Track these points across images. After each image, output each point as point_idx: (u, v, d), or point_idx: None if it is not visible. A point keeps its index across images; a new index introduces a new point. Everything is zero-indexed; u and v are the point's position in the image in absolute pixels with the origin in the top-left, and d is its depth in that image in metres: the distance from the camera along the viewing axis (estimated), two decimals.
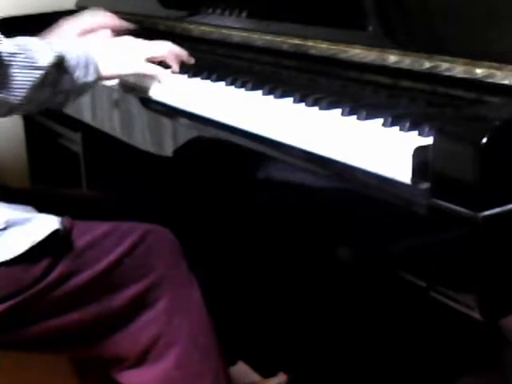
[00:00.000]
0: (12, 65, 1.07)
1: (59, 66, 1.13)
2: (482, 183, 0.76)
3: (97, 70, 1.20)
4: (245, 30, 1.41)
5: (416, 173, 0.83)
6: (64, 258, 1.07)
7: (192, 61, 1.37)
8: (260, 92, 1.17)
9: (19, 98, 1.09)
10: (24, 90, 1.09)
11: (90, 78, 1.19)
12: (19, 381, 1.56)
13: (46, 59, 1.11)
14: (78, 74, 1.17)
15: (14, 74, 1.08)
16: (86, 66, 1.18)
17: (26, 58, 1.09)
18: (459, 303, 0.83)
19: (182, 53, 1.35)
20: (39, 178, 2.31)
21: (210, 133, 1.23)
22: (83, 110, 1.68)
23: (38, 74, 1.10)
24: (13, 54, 1.08)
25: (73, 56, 1.16)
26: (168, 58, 1.32)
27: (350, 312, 1.48)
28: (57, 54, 1.13)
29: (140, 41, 1.30)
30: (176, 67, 1.33)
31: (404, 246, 0.94)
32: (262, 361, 1.63)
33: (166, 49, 1.32)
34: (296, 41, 1.28)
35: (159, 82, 1.29)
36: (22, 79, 1.09)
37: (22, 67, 1.08)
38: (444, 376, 1.32)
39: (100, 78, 1.22)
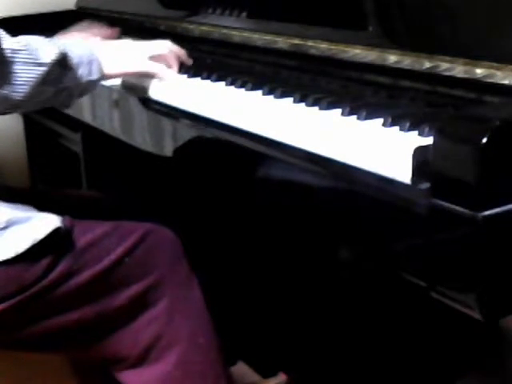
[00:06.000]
0: (15, 61, 1.08)
1: (62, 64, 1.13)
2: (482, 183, 0.76)
3: (100, 69, 1.20)
4: (245, 29, 1.41)
5: (416, 173, 0.83)
6: (65, 256, 1.07)
7: (190, 61, 1.37)
8: (260, 92, 1.17)
9: (21, 94, 1.09)
10: (26, 87, 1.09)
11: (94, 76, 1.19)
12: (19, 381, 1.56)
13: (48, 56, 1.11)
14: (82, 72, 1.17)
15: (17, 71, 1.08)
16: (90, 64, 1.18)
17: (28, 54, 1.09)
18: (459, 303, 0.83)
19: (180, 52, 1.35)
20: (39, 178, 2.32)
21: (210, 133, 1.23)
22: (83, 110, 1.68)
23: (40, 70, 1.10)
24: (16, 51, 1.08)
25: (76, 54, 1.17)
26: (168, 56, 1.32)
27: (351, 312, 1.48)
28: (59, 51, 1.13)
29: (140, 42, 1.31)
30: (176, 67, 1.33)
31: (404, 246, 0.94)
32: (262, 361, 1.63)
33: (166, 47, 1.32)
34: (296, 41, 1.28)
35: (162, 80, 1.29)
36: (25, 76, 1.09)
37: (25, 63, 1.09)
38: (444, 376, 1.33)
39: (103, 76, 1.22)
